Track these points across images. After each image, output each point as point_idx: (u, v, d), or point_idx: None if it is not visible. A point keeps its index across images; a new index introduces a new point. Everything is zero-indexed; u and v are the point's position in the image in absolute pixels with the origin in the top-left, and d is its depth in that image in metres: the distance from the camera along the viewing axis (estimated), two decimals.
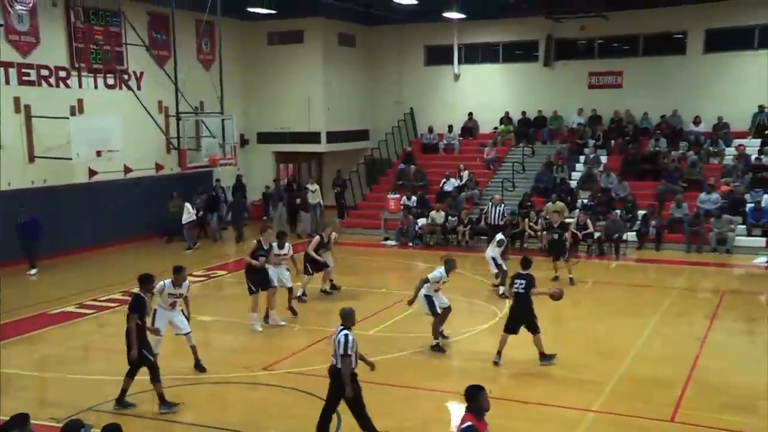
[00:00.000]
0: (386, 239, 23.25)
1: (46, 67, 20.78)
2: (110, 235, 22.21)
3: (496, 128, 28.02)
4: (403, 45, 29.16)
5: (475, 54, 28.58)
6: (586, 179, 23.94)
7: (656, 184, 23.18)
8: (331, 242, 15.98)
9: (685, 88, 25.35)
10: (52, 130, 20.06)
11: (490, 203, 21.71)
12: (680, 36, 25.72)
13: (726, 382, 10.78)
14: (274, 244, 13.84)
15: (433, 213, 22.97)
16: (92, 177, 21.90)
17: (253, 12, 25.68)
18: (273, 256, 13.67)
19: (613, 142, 25.61)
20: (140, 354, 9.57)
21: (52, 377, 11.47)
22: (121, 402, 9.85)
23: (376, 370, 8.83)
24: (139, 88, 23.10)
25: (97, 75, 21.97)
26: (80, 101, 21.50)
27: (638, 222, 21.72)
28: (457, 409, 9.46)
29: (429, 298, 11.97)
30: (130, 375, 9.80)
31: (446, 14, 25.92)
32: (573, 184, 24.08)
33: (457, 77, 28.92)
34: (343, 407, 8.44)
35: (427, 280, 11.86)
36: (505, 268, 15.94)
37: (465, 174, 25.21)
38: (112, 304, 15.53)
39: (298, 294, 15.06)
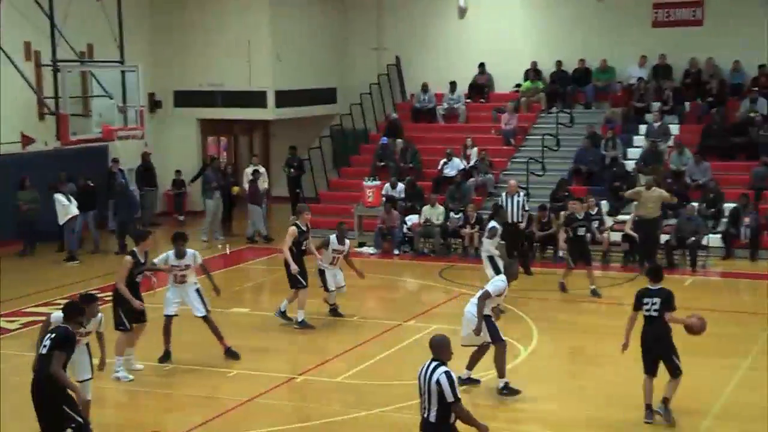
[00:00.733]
0: (361, 245, 23.08)
1: None
2: None
3: (518, 86, 27.96)
4: None
5: None
6: (648, 159, 23.61)
7: (752, 165, 23.19)
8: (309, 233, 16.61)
9: None
10: None
11: (504, 194, 21.50)
12: None
13: None
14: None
15: (427, 208, 22.88)
16: None
17: None
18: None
19: (688, 104, 25.61)
20: (63, 409, 9.79)
21: None
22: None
23: None
24: None
25: None
26: None
27: (724, 220, 21.68)
28: None
29: (489, 320, 12.49)
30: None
31: None
32: (630, 165, 23.89)
33: (462, 12, 28.72)
34: None
35: (488, 295, 12.39)
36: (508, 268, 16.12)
37: (474, 152, 24.99)
38: None
39: (282, 309, 16.28)
